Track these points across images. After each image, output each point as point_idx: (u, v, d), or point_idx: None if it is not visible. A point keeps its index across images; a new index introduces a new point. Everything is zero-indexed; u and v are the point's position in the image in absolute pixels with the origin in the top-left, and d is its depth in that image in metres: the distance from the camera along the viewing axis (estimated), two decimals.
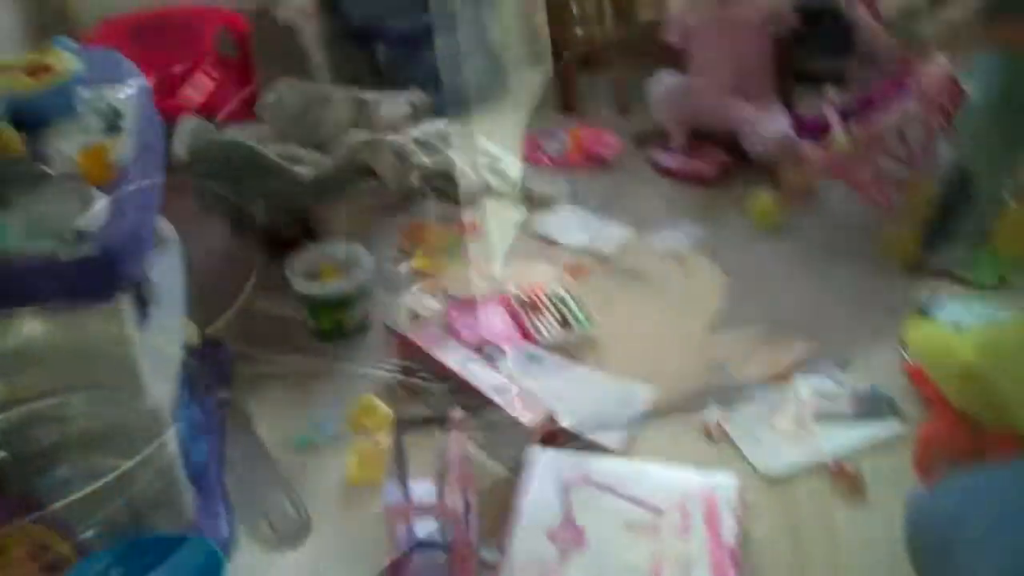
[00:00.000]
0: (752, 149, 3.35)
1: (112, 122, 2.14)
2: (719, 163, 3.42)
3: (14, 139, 2.03)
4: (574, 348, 2.73)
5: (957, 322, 2.39)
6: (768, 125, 3.31)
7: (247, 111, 3.34)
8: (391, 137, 3.08)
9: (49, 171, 1.97)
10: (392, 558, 2.05)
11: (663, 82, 3.47)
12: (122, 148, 2.06)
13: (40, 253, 1.79)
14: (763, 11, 3.39)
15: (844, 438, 2.43)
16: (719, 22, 3.41)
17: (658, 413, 2.52)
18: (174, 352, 2.14)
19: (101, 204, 1.88)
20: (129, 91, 2.26)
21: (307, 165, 2.79)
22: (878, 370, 2.61)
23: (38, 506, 1.92)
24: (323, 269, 2.78)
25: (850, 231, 3.09)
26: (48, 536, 1.95)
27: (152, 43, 3.24)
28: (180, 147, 2.82)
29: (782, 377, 2.61)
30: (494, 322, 2.80)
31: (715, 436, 2.44)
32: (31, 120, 2.12)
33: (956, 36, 2.64)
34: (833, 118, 3.03)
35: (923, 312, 2.51)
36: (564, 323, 2.78)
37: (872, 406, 2.51)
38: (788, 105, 3.50)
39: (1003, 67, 2.64)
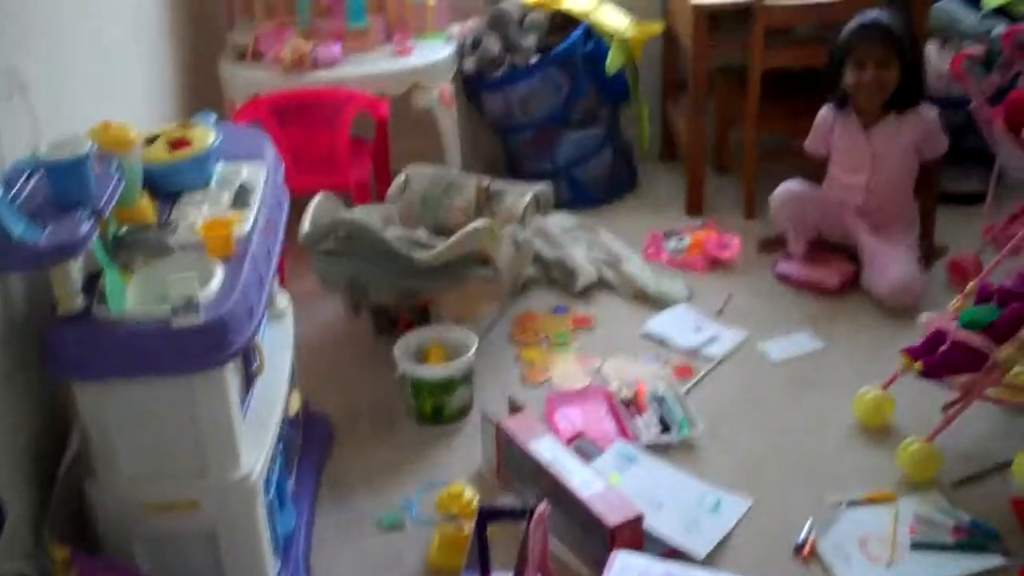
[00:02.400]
0: (869, 287, 3.28)
1: (241, 196, 2.25)
2: (842, 274, 3.37)
3: (148, 208, 2.17)
4: (672, 451, 2.72)
5: None
6: (891, 266, 3.23)
7: (380, 192, 3.47)
8: (511, 227, 3.15)
9: (174, 241, 2.09)
10: None
11: (787, 189, 3.45)
12: (246, 222, 2.17)
13: (154, 319, 1.89)
14: (913, 138, 3.35)
15: (941, 569, 2.34)
16: (861, 144, 3.38)
17: (750, 526, 2.48)
18: (274, 421, 2.21)
19: (217, 276, 1.98)
20: (262, 167, 2.38)
21: (426, 249, 2.86)
22: (987, 501, 2.53)
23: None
24: (430, 351, 2.84)
25: None
26: None
27: (294, 122, 3.40)
28: (306, 223, 2.94)
29: (885, 498, 2.54)
30: (593, 417, 2.81)
31: (805, 555, 2.38)
32: (166, 190, 2.27)
33: None
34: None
35: None
36: (664, 425, 2.77)
37: (975, 538, 2.42)
38: (927, 229, 3.45)
39: None
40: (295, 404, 2.48)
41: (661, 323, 3.23)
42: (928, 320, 2.69)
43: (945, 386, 2.66)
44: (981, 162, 3.50)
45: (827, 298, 3.31)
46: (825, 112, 3.43)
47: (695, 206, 3.83)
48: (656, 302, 3.32)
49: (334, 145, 3.38)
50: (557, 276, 3.43)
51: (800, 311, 3.28)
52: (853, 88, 3.29)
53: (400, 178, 3.36)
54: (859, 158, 3.38)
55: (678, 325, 3.22)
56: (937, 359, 2.61)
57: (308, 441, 2.61)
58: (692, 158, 3.80)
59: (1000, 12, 3.66)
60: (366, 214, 3.10)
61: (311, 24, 3.64)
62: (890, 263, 3.25)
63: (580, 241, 3.58)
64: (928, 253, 3.43)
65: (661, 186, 4.05)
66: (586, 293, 3.38)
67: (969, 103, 3.27)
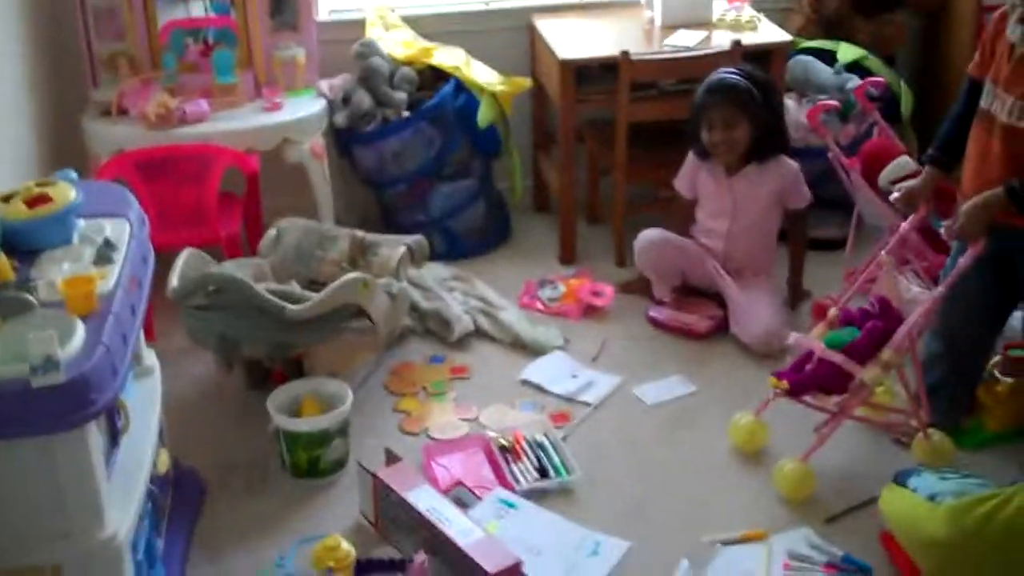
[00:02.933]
0: (738, 334, 3.36)
1: (104, 253, 2.21)
2: (711, 319, 3.45)
3: (5, 266, 2.11)
4: (551, 496, 2.73)
5: (933, 493, 2.37)
6: (757, 314, 3.31)
7: (252, 247, 3.44)
8: (386, 278, 3.14)
9: (34, 298, 2.03)
10: None
11: (647, 237, 3.53)
12: (109, 279, 2.13)
13: (13, 379, 1.84)
14: (773, 188, 3.45)
15: None
16: (724, 191, 3.48)
17: (629, 569, 2.50)
18: (141, 480, 2.15)
19: (79, 333, 1.93)
20: (125, 224, 2.34)
21: (299, 303, 2.84)
22: (858, 535, 2.60)
23: None
24: (304, 405, 2.81)
25: None
26: None
27: (161, 178, 3.36)
28: (175, 279, 2.89)
29: (758, 536, 2.59)
30: (471, 466, 2.81)
31: None
32: (25, 247, 2.20)
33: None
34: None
35: (898, 481, 2.50)
36: (542, 471, 2.78)
37: (847, 573, 2.48)
38: (796, 273, 3.56)
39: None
40: (164, 462, 2.43)
41: (537, 370, 3.25)
42: (797, 341, 2.80)
43: (811, 409, 2.79)
44: (840, 209, 3.63)
45: (698, 341, 3.38)
46: (691, 157, 3.53)
47: (568, 255, 3.89)
48: (532, 350, 3.35)
49: (202, 200, 3.34)
50: (433, 326, 3.43)
51: (673, 355, 3.34)
52: (708, 145, 3.40)
53: (272, 232, 3.33)
54: (721, 204, 3.48)
55: (554, 372, 3.24)
56: (803, 378, 2.72)
57: (179, 499, 2.55)
58: (564, 208, 3.86)
59: (853, 66, 3.83)
60: (237, 268, 3.06)
61: (178, 80, 3.60)
62: (755, 311, 3.34)
63: (456, 291, 3.60)
64: (795, 296, 3.54)
65: (535, 236, 4.10)
66: (462, 342, 3.39)
67: (827, 153, 3.40)
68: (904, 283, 2.80)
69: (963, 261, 2.64)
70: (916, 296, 2.73)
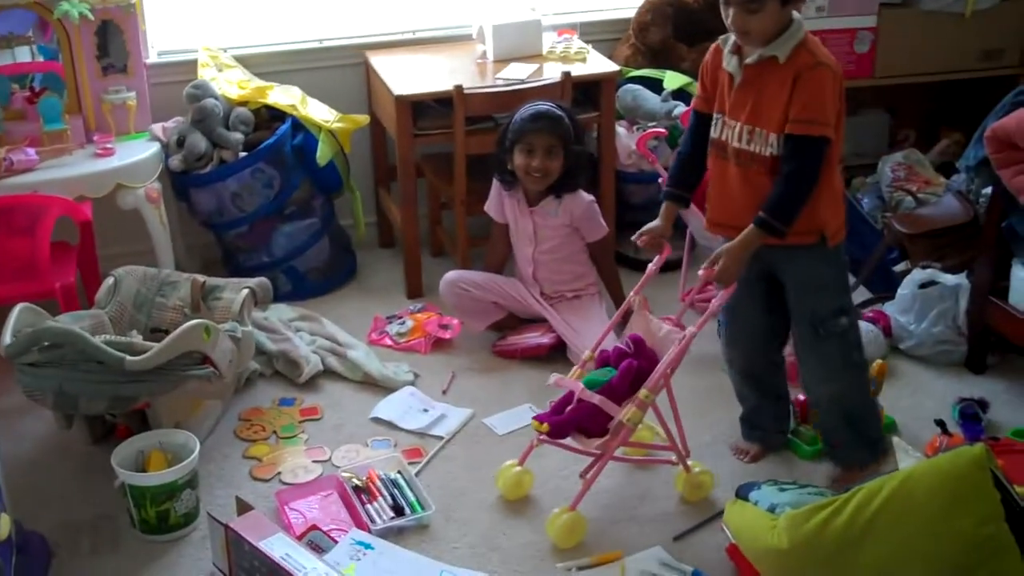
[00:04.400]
0: (571, 357, 3.40)
1: None
2: (550, 333, 3.52)
3: None
4: (407, 534, 2.74)
5: (773, 505, 2.47)
6: (585, 335, 3.35)
7: (90, 297, 3.35)
8: (230, 323, 3.11)
9: None
10: None
11: (444, 279, 3.62)
12: None
13: None
14: (568, 221, 3.55)
15: None
16: (526, 218, 3.57)
17: None
18: None
19: None
20: None
21: (139, 353, 2.78)
22: (706, 551, 2.68)
23: None
24: (150, 458, 2.74)
25: None
26: None
27: None
28: (7, 335, 2.80)
29: (613, 558, 2.65)
30: (326, 508, 2.79)
31: None
32: None
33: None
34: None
35: (740, 495, 2.60)
36: (397, 508, 2.78)
37: None
38: (618, 298, 3.63)
39: None
40: (5, 526, 2.34)
41: (389, 407, 3.26)
42: (556, 381, 2.79)
43: (573, 450, 2.78)
44: (674, 232, 3.74)
45: (545, 369, 3.41)
46: (496, 184, 3.61)
47: (414, 290, 3.91)
48: (383, 387, 3.35)
49: (34, 252, 3.25)
50: (281, 368, 3.41)
51: (521, 384, 3.39)
52: (520, 171, 3.47)
53: (109, 280, 3.25)
54: (525, 231, 3.58)
55: (405, 408, 3.26)
56: (563, 420, 2.71)
57: (23, 564, 2.45)
58: (408, 243, 3.88)
59: (679, 93, 3.96)
60: (73, 321, 2.98)
61: (3, 129, 3.49)
62: (584, 331, 3.41)
63: (303, 331, 3.58)
64: (624, 319, 3.63)
65: (380, 272, 4.11)
66: (312, 383, 3.37)
67: (657, 178, 3.51)
68: (656, 322, 2.85)
69: (715, 303, 2.73)
70: (668, 334, 2.78)
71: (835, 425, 2.91)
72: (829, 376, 2.84)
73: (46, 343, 2.78)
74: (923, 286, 3.53)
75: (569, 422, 2.71)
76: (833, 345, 2.80)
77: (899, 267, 3.77)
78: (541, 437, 2.73)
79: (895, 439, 3.01)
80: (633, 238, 2.92)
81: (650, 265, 2.92)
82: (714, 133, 2.74)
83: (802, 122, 2.56)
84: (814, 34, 2.65)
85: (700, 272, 2.73)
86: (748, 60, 2.62)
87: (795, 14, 2.59)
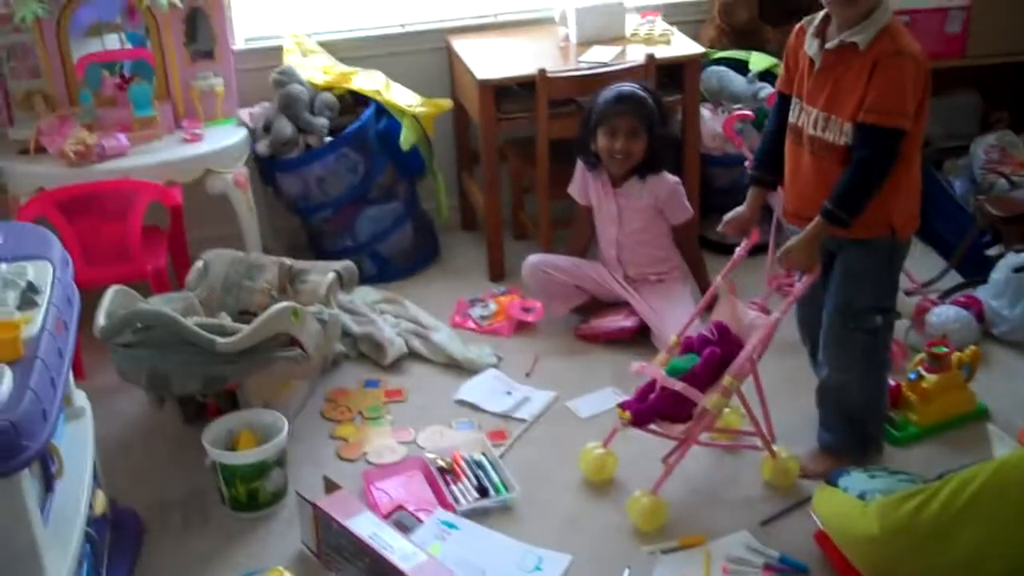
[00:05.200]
0: (656, 341, 3.37)
1: (27, 297, 2.18)
2: (632, 316, 3.50)
3: None
4: (492, 515, 2.75)
5: (863, 491, 2.44)
6: (669, 320, 3.32)
7: (179, 281, 3.41)
8: (316, 305, 3.14)
9: None
10: None
11: (527, 262, 3.62)
12: (34, 323, 2.10)
13: None
14: (652, 202, 3.52)
15: None
16: (610, 199, 3.55)
17: None
18: (78, 524, 2.13)
19: (6, 380, 1.91)
20: (48, 265, 2.31)
21: (229, 335, 2.82)
22: (794, 536, 2.65)
23: None
24: (240, 437, 2.79)
25: None
26: None
27: (83, 215, 3.32)
28: (102, 317, 2.86)
29: (696, 542, 2.63)
30: (411, 489, 2.81)
31: None
32: None
33: None
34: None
35: (830, 481, 2.56)
36: (481, 489, 2.80)
37: (785, 573, 2.54)
38: (701, 283, 3.61)
39: None
40: (101, 503, 2.40)
41: (472, 389, 3.27)
42: (639, 368, 2.78)
43: (657, 434, 2.76)
44: (762, 215, 3.70)
45: (628, 352, 3.40)
46: (580, 165, 3.59)
47: (497, 273, 3.92)
48: (466, 369, 3.37)
49: (126, 236, 3.31)
50: (366, 350, 3.44)
51: (604, 367, 3.38)
52: (604, 153, 3.46)
53: (198, 264, 3.31)
54: (609, 212, 3.55)
55: (489, 390, 3.27)
56: (646, 407, 2.69)
57: (117, 540, 2.52)
58: (490, 227, 3.89)
59: (765, 75, 3.91)
60: (164, 303, 3.04)
61: (95, 115, 3.56)
62: (668, 315, 3.38)
63: (387, 314, 3.61)
64: (710, 305, 3.60)
65: (463, 255, 4.12)
66: (396, 365, 3.40)
67: (743, 161, 3.47)
68: (742, 308, 2.81)
69: (798, 288, 2.68)
70: (753, 321, 2.75)
71: (836, 413, 2.84)
72: (846, 366, 2.76)
73: (139, 325, 2.83)
74: (1017, 270, 3.44)
75: (652, 410, 2.70)
76: (859, 339, 2.73)
77: (992, 251, 3.68)
78: (623, 422, 2.71)
79: (990, 426, 2.96)
80: (719, 228, 2.89)
81: (738, 250, 2.89)
82: (792, 118, 2.69)
83: (876, 111, 2.48)
84: (903, 14, 2.57)
85: (776, 258, 2.69)
86: (829, 45, 2.55)
87: None
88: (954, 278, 3.67)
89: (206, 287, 3.26)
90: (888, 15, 2.52)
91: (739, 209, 2.85)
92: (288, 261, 3.37)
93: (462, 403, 3.22)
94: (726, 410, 2.75)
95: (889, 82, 2.48)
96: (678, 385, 2.66)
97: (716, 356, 2.71)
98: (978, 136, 4.15)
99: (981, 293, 3.51)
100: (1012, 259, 3.48)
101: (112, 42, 3.73)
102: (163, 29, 3.61)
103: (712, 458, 2.94)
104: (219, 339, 2.79)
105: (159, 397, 2.96)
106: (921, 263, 3.67)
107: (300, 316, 2.97)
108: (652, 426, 2.73)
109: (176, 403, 3.05)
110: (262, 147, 3.72)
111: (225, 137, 3.63)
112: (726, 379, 2.64)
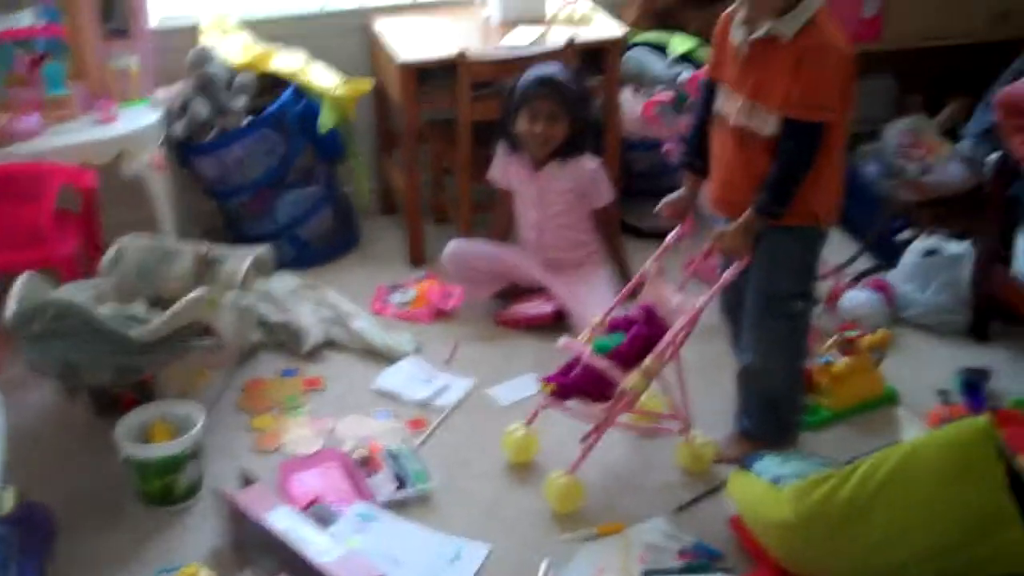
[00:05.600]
0: (575, 326, 3.35)
1: None
2: (551, 301, 3.51)
3: None
4: (410, 505, 2.75)
5: (777, 476, 2.48)
6: (588, 304, 3.31)
7: (92, 267, 3.34)
8: (233, 293, 3.10)
9: None
10: None
11: (447, 249, 3.61)
12: None
13: None
14: (572, 185, 3.53)
15: None
16: (530, 183, 3.55)
17: (491, 572, 2.54)
18: None
19: None
20: None
21: (143, 324, 2.78)
22: (708, 522, 2.69)
23: None
24: (154, 430, 2.75)
25: None
26: None
27: None
28: (11, 306, 2.79)
29: (615, 530, 2.66)
30: (329, 480, 2.80)
31: None
32: None
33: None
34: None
35: (744, 466, 2.60)
36: (400, 480, 2.79)
37: (700, 559, 2.57)
38: (620, 267, 3.63)
39: None
40: (9, 500, 2.36)
41: (391, 377, 3.26)
42: (565, 344, 2.81)
43: (577, 416, 2.78)
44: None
45: (548, 338, 3.40)
46: (501, 148, 3.59)
47: (417, 258, 3.90)
48: (385, 357, 3.35)
49: (37, 220, 3.23)
50: (284, 339, 3.40)
51: (524, 353, 3.39)
52: (525, 136, 3.46)
53: (112, 251, 3.24)
54: (530, 195, 3.56)
55: (408, 378, 3.26)
56: (568, 381, 2.72)
57: (28, 537, 2.46)
58: (410, 211, 3.87)
59: (685, 58, 3.92)
60: (76, 292, 2.98)
61: (6, 95, 3.46)
62: (587, 300, 3.38)
63: (306, 301, 3.57)
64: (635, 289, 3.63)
65: (383, 239, 4.10)
66: (315, 354, 3.37)
67: (662, 145, 3.49)
68: (669, 291, 2.83)
69: (727, 275, 2.70)
70: (680, 304, 2.77)
71: (756, 398, 2.88)
72: (766, 351, 2.79)
73: (50, 314, 2.77)
74: (927, 254, 3.52)
75: (575, 385, 2.72)
76: (781, 325, 2.77)
77: (904, 235, 3.75)
78: (546, 396, 2.73)
79: (899, 409, 3.03)
80: (656, 210, 2.90)
81: (670, 235, 2.90)
82: (717, 105, 2.70)
83: (801, 106, 2.51)
84: None
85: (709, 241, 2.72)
86: (754, 35, 2.56)
87: None
88: (866, 262, 3.74)
89: (120, 274, 3.19)
90: (813, 7, 2.51)
91: (676, 193, 2.87)
92: (204, 247, 3.31)
93: (381, 392, 3.20)
94: (646, 393, 2.77)
95: (814, 76, 2.49)
96: (602, 363, 2.67)
97: (642, 335, 2.73)
98: (892, 120, 4.22)
99: (892, 277, 3.58)
100: (922, 243, 3.56)
101: (26, 19, 3.63)
102: (78, 6, 3.52)
103: (631, 443, 2.97)
104: (133, 329, 2.74)
105: (71, 389, 2.91)
106: (834, 247, 3.72)
107: (216, 304, 2.93)
108: (572, 406, 2.74)
109: (89, 395, 2.99)
110: (178, 129, 3.66)
111: (140, 118, 3.56)
112: (648, 361, 2.65)
